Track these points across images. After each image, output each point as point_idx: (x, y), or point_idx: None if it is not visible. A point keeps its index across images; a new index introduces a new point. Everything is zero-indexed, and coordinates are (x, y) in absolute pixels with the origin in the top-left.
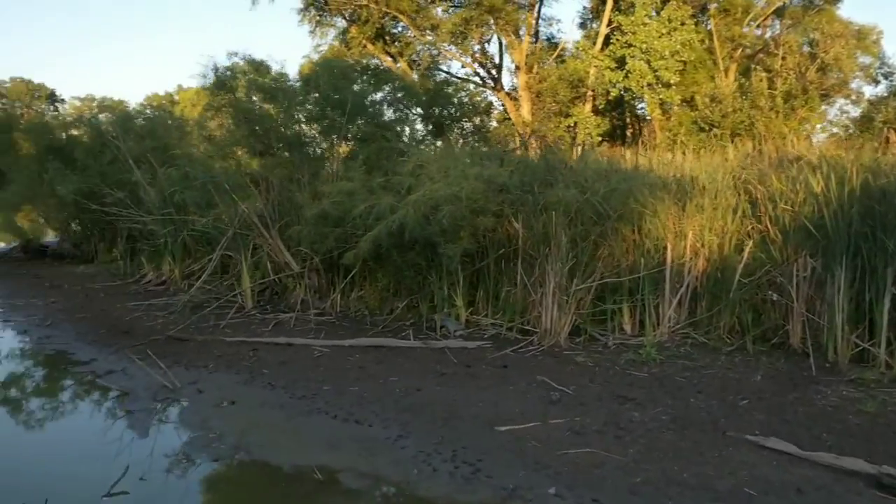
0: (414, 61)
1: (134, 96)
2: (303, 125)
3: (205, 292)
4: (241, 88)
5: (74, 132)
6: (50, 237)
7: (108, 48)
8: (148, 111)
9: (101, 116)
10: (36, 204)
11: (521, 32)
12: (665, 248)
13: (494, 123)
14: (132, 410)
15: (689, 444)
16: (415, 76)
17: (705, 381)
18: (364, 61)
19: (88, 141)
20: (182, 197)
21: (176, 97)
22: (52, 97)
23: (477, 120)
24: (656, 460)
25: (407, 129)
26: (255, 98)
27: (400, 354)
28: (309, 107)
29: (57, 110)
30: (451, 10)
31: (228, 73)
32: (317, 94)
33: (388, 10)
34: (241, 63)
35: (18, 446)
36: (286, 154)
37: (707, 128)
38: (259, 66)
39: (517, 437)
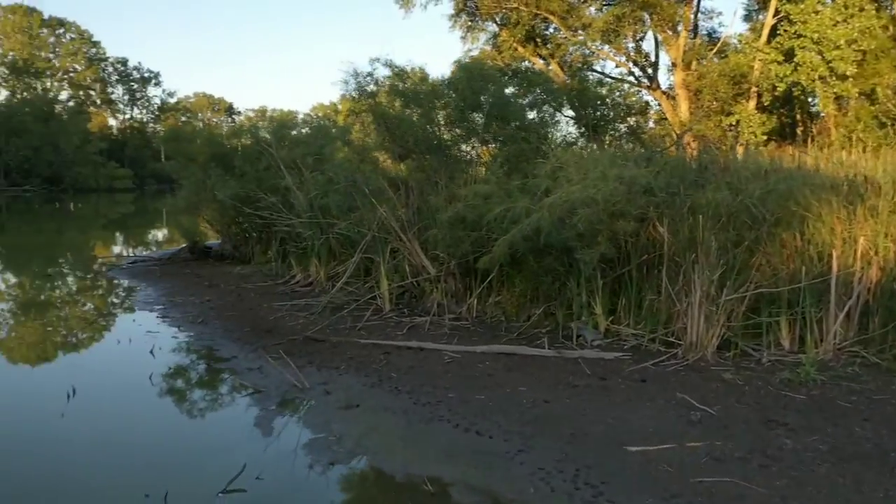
0: (565, 62)
1: (302, 106)
2: (441, 128)
3: (346, 294)
4: (381, 94)
5: (236, 141)
6: (213, 239)
7: (281, 63)
8: (303, 120)
9: (260, 125)
10: (201, 208)
11: (678, 27)
12: (831, 255)
13: (651, 124)
14: (261, 408)
15: (849, 479)
16: (566, 78)
17: (875, 407)
18: (513, 64)
19: (247, 149)
20: (325, 201)
21: (339, 106)
22: (229, 110)
23: (631, 121)
24: (807, 497)
25: (551, 131)
26: (395, 102)
27: (532, 363)
28: (448, 110)
29: (234, 122)
30: (603, 9)
31: (368, 78)
32: (455, 97)
33: (539, 12)
34: (382, 68)
35: (149, 435)
36: (425, 158)
37: (890, 123)
38: (400, 72)
39: (648, 460)
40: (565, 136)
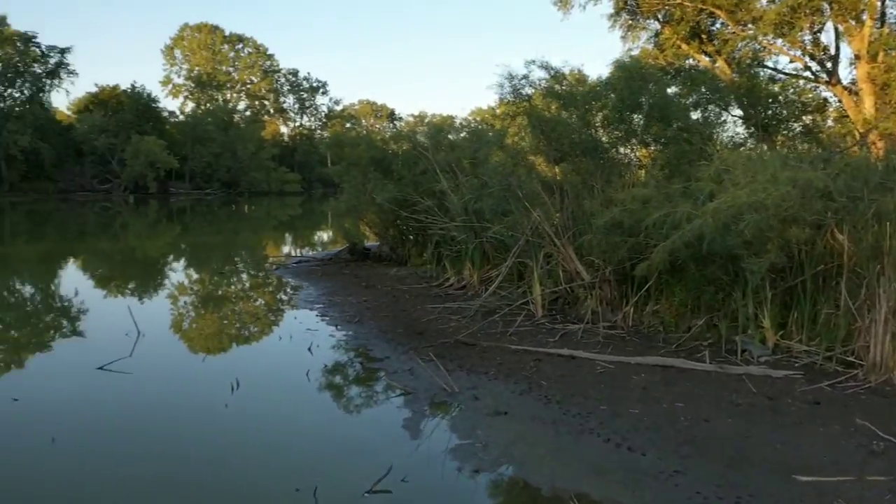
0: (733, 58)
1: (461, 111)
2: (598, 130)
3: (498, 298)
4: (536, 96)
5: (394, 146)
6: (372, 241)
7: (440, 68)
8: (460, 124)
9: (418, 130)
10: (361, 211)
11: (862, 16)
12: None
13: (830, 123)
14: (410, 410)
15: None
16: (734, 75)
17: None
18: (676, 63)
19: (405, 153)
20: (479, 205)
21: (497, 110)
22: (391, 116)
23: (807, 119)
24: None
25: (717, 131)
26: (551, 105)
27: (690, 378)
28: (606, 112)
29: (396, 127)
30: (776, 0)
31: (523, 81)
32: (613, 98)
33: (704, 7)
34: (538, 70)
35: (302, 430)
36: (581, 161)
37: None
38: (556, 74)
39: (820, 492)
40: (732, 136)
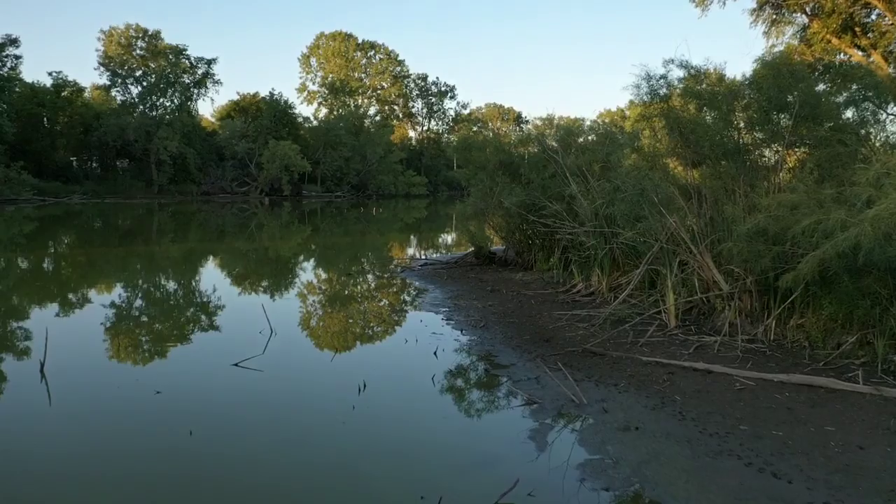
0: (890, 53)
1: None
2: (741, 132)
3: (628, 306)
4: (674, 96)
5: (522, 149)
6: (497, 245)
7: (568, 71)
8: (589, 127)
9: (547, 133)
10: (487, 214)
11: None
12: None
13: None
14: (536, 421)
15: None
16: (892, 70)
17: None
18: (825, 59)
19: (533, 157)
20: (611, 210)
21: (627, 112)
22: (518, 119)
23: None
24: None
25: (874, 131)
26: (689, 105)
27: (841, 399)
28: (749, 112)
29: (522, 130)
30: None
31: (661, 80)
32: (758, 97)
33: None
34: (677, 70)
35: (427, 436)
36: (721, 164)
37: None
38: (696, 73)
39: None
40: (889, 136)
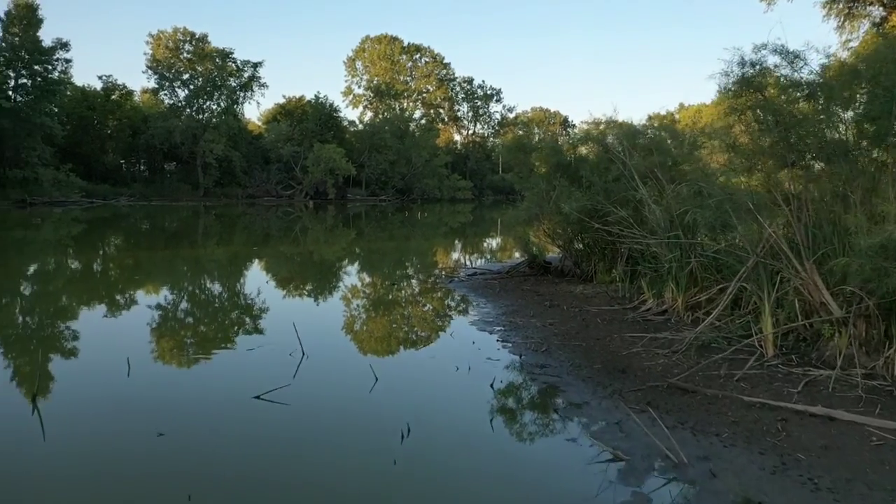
0: None
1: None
2: (849, 128)
3: (712, 330)
4: (770, 86)
5: (582, 151)
6: (552, 253)
7: (613, 74)
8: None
9: (608, 134)
10: (542, 220)
11: None
12: None
13: None
14: (624, 485)
15: None
16: None
17: None
18: None
19: (594, 158)
20: (693, 217)
21: (676, 115)
22: (564, 123)
23: None
24: None
25: None
26: (787, 96)
27: None
28: (860, 106)
29: (567, 134)
30: None
31: (756, 67)
32: (872, 88)
33: None
34: (770, 56)
35: (488, 496)
36: (830, 164)
37: None
38: (793, 60)
39: None
40: None
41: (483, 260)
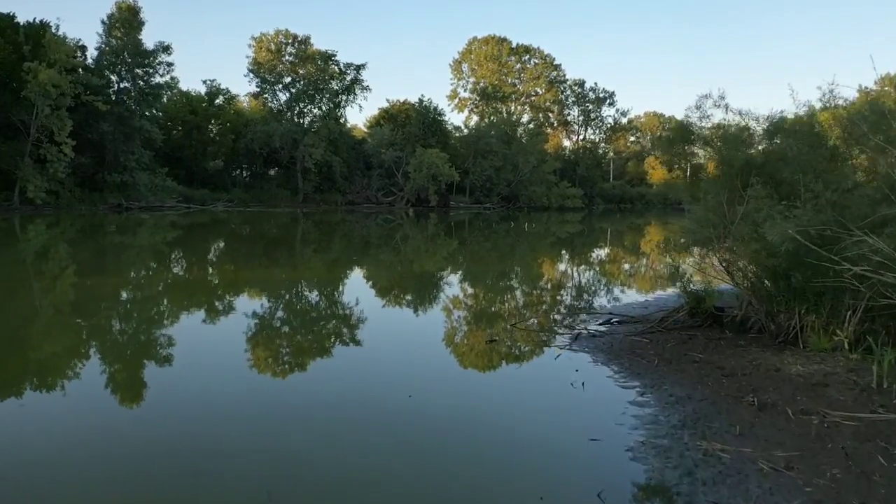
0: None
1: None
2: None
3: None
4: None
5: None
6: (715, 281)
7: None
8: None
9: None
10: (716, 243)
11: None
12: None
13: None
14: None
15: None
16: None
17: None
18: None
19: (805, 154)
20: None
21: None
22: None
23: None
24: None
25: None
26: None
27: None
28: None
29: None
30: None
31: None
32: None
33: None
34: None
35: None
36: None
37: None
38: None
39: None
40: None
41: (612, 293)
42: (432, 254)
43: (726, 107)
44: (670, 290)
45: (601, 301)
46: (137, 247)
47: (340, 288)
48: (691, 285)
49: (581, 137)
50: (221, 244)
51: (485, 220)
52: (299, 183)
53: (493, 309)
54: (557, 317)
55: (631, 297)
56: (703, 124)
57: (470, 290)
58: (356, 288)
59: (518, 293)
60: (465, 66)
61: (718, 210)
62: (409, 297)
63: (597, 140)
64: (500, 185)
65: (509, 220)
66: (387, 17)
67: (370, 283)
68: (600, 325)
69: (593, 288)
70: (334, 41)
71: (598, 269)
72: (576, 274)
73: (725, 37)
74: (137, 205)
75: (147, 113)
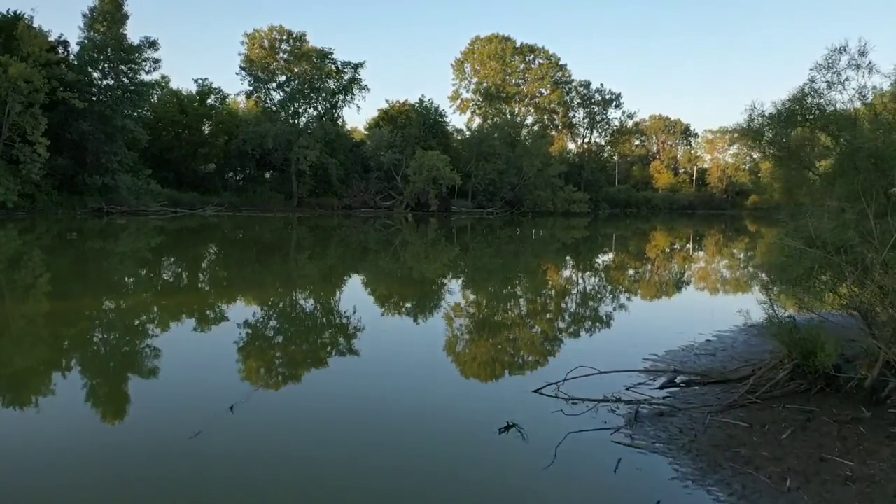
0: None
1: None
2: None
3: None
4: None
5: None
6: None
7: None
8: None
9: None
10: (850, 275)
11: None
12: None
13: None
14: None
15: None
16: None
17: None
18: None
19: None
20: None
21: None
22: (686, 132)
23: None
24: None
25: None
26: None
27: None
28: None
29: (689, 144)
30: None
31: None
32: None
33: None
34: None
35: None
36: None
37: None
38: None
39: None
40: None
41: (652, 326)
42: (430, 262)
43: (870, 67)
44: (731, 323)
45: (643, 338)
46: (119, 254)
47: (335, 299)
48: (790, 326)
49: (586, 140)
50: (213, 250)
51: (488, 225)
52: (294, 186)
53: (503, 355)
54: (596, 367)
55: (681, 331)
56: (832, 95)
57: (472, 324)
58: (352, 298)
59: (533, 323)
60: (467, 66)
61: (861, 227)
62: (408, 318)
63: (602, 143)
64: (504, 189)
65: (514, 226)
66: (387, 17)
67: (368, 291)
68: (660, 387)
69: (629, 317)
70: (332, 39)
71: (628, 288)
72: (602, 295)
73: (735, 41)
74: (119, 209)
75: (134, 112)
